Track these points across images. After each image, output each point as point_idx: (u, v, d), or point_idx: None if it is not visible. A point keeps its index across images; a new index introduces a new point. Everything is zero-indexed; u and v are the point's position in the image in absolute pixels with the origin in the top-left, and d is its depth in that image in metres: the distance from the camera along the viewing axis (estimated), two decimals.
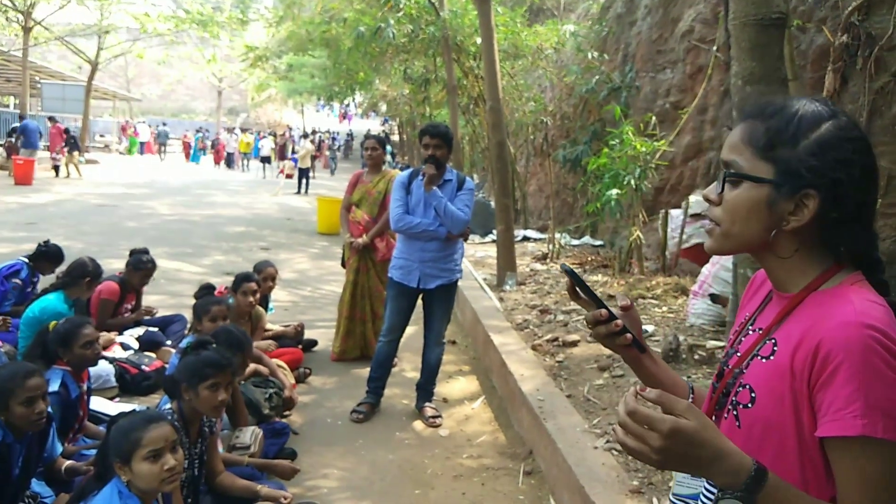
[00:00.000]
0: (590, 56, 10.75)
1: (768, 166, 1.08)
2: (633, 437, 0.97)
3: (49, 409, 2.88)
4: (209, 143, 33.13)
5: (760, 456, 1.07)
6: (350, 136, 41.95)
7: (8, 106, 32.06)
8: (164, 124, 34.77)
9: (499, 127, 7.40)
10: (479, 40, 9.27)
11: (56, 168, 18.62)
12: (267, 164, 26.14)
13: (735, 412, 1.16)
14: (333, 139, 35.82)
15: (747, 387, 1.14)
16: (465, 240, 4.63)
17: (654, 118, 7.44)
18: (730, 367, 1.21)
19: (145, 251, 5.46)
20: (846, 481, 1.00)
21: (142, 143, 33.09)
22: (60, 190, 16.18)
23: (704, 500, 1.23)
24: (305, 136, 24.57)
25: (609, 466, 3.21)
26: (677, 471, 1.13)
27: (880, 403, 0.97)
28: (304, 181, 19.76)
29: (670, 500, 1.35)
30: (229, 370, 2.81)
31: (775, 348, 1.11)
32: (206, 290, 4.47)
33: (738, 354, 1.21)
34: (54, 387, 3.07)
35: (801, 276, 1.13)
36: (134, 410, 2.44)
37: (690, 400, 1.33)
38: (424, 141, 4.31)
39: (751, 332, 1.22)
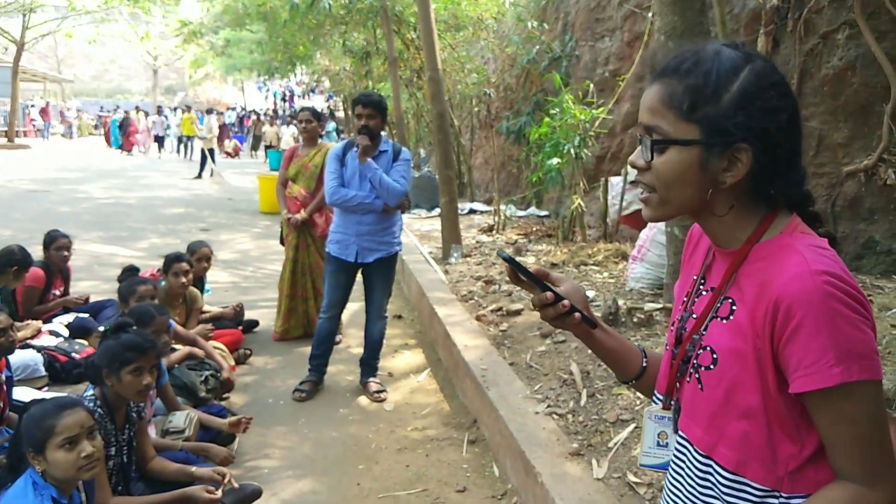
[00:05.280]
0: (530, 26, 10.69)
1: (693, 127, 1.03)
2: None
3: None
4: (110, 123, 27.58)
5: (725, 417, 1.07)
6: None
7: None
8: (102, 108, 32.81)
9: (439, 98, 7.31)
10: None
11: None
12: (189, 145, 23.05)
13: (697, 375, 1.13)
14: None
15: (708, 348, 1.12)
16: (403, 212, 4.56)
17: (592, 86, 7.45)
18: (688, 330, 1.18)
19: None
20: (833, 428, 1.00)
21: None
22: None
23: (674, 468, 1.21)
24: (210, 112, 21.91)
25: (549, 430, 3.22)
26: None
27: (851, 346, 0.96)
28: (205, 162, 17.72)
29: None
30: (153, 352, 2.70)
31: (733, 307, 1.09)
32: (129, 272, 4.31)
33: (695, 317, 1.18)
34: None
35: (740, 229, 1.10)
36: (46, 398, 2.32)
37: (644, 364, 1.33)
38: (357, 111, 4.20)
39: (703, 293, 1.19)
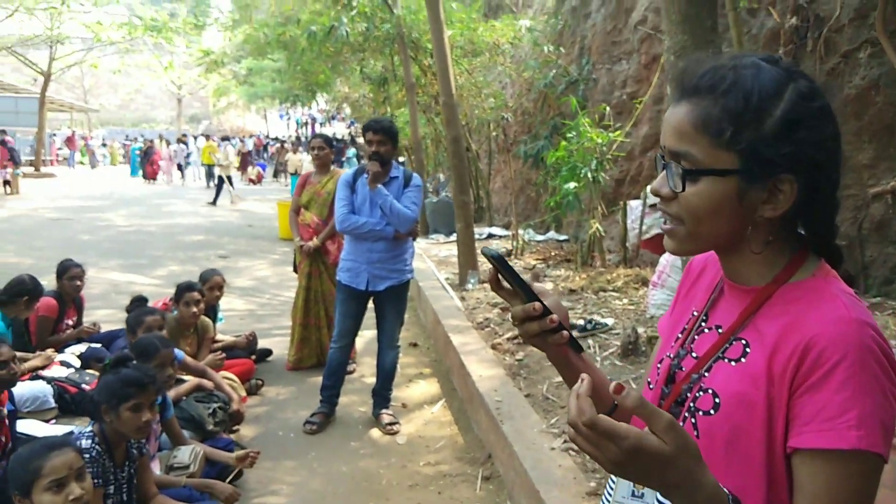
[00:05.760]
0: (546, 50, 10.66)
1: (731, 155, 0.92)
2: (586, 441, 0.83)
3: None
4: (131, 151, 27.73)
5: (721, 468, 0.94)
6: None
7: None
8: (128, 137, 33.11)
9: (454, 123, 7.26)
10: None
11: (7, 183, 18.04)
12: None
13: (693, 419, 1.01)
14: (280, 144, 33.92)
15: (710, 391, 0.99)
16: (415, 239, 4.48)
17: (608, 109, 7.36)
18: (685, 370, 1.06)
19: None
20: (819, 495, 0.87)
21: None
22: (14, 205, 15.71)
23: None
24: (226, 139, 22.14)
25: (566, 468, 3.09)
26: (636, 482, 0.99)
27: (876, 412, 0.85)
28: (220, 189, 17.78)
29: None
30: (152, 388, 2.63)
31: (747, 350, 0.97)
32: (137, 303, 4.26)
33: (695, 356, 1.06)
34: None
35: (767, 267, 0.99)
36: (37, 437, 2.24)
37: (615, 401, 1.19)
38: (368, 137, 4.16)
39: (706, 331, 1.07)
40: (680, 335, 1.12)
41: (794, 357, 0.89)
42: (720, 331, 1.03)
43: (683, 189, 0.96)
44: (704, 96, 0.94)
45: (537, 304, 1.04)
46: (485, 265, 8.08)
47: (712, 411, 0.97)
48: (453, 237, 11.16)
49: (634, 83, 8.61)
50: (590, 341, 4.79)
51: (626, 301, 5.69)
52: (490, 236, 11.01)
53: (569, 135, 7.12)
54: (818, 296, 0.93)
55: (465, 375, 4.50)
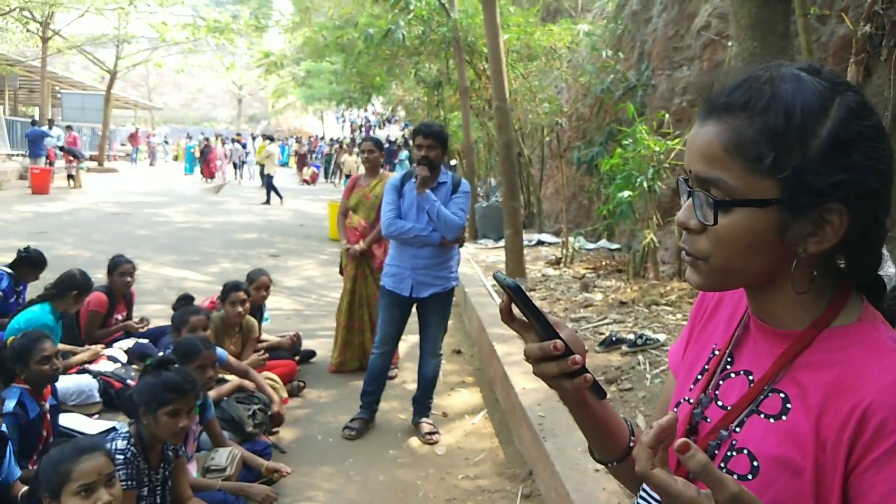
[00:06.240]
0: (605, 55, 10.46)
1: (771, 182, 0.79)
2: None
3: (5, 430, 2.70)
4: (186, 149, 27.87)
5: None
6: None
7: (33, 116, 32.45)
8: (189, 135, 33.76)
9: (506, 128, 7.16)
10: None
11: (70, 177, 18.65)
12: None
13: None
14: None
15: (745, 452, 0.86)
16: (461, 246, 4.39)
17: (667, 116, 7.14)
18: (711, 421, 0.92)
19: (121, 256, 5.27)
20: None
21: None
22: (76, 199, 16.22)
23: None
24: (269, 139, 21.85)
25: (610, 492, 2.94)
26: None
27: None
28: (271, 190, 17.64)
29: None
30: (192, 394, 2.59)
31: (787, 405, 0.84)
32: (183, 301, 4.28)
33: (721, 405, 0.92)
34: (10, 406, 2.88)
35: (805, 308, 0.86)
36: (68, 439, 2.23)
37: (630, 444, 1.05)
38: (417, 141, 4.09)
39: (733, 375, 0.94)
40: (700, 376, 0.98)
41: (851, 425, 0.77)
42: (751, 378, 0.90)
43: (716, 222, 0.82)
44: (737, 114, 0.81)
45: (558, 342, 0.89)
46: (534, 273, 7.94)
47: (749, 476, 0.84)
48: (502, 242, 11.05)
49: (696, 90, 8.35)
50: (640, 357, 4.62)
51: (679, 316, 5.48)
52: (540, 243, 10.85)
53: (625, 142, 6.93)
54: (868, 348, 0.80)
55: (509, 387, 4.38)
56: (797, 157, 0.78)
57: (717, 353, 0.98)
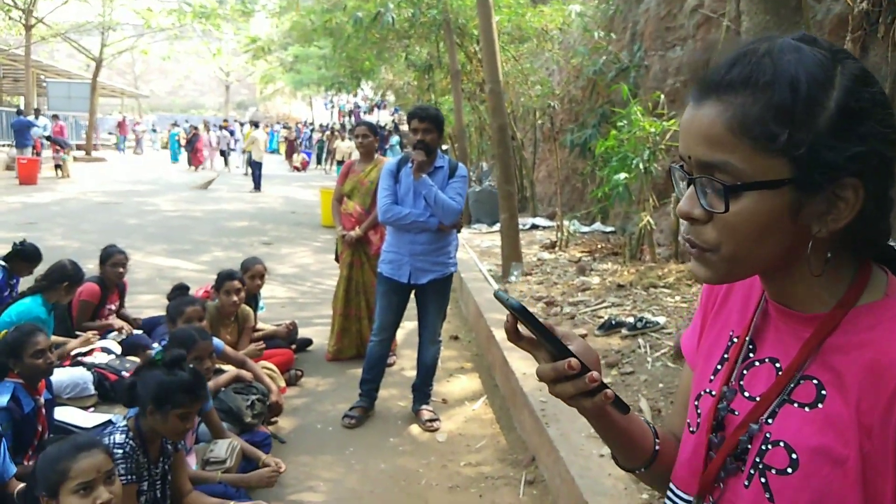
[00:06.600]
0: (596, 36, 10.37)
1: (781, 161, 0.74)
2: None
3: None
4: (170, 137, 27.52)
5: None
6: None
7: (18, 106, 32.04)
8: (175, 122, 33.34)
9: (499, 111, 7.08)
10: None
11: (58, 167, 18.43)
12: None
13: (763, 479, 0.82)
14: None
15: (782, 444, 0.81)
16: (459, 231, 4.33)
17: (662, 97, 7.08)
18: (738, 413, 0.87)
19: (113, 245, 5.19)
20: None
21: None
22: (64, 189, 16.04)
23: None
24: (254, 125, 21.87)
25: (616, 477, 2.92)
26: None
27: None
28: (257, 176, 17.51)
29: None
30: (203, 397, 2.55)
31: (822, 392, 0.79)
32: (178, 291, 4.21)
33: (749, 396, 0.87)
34: (3, 402, 2.82)
35: (827, 289, 0.82)
36: (65, 435, 2.17)
37: (656, 447, 1.01)
38: (413, 125, 4.01)
39: (757, 363, 0.88)
40: (719, 366, 0.94)
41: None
42: (777, 366, 0.85)
43: (727, 209, 0.77)
44: (739, 92, 0.75)
45: (573, 360, 0.84)
46: (529, 257, 7.90)
47: (789, 470, 0.79)
48: (496, 227, 11.00)
49: (689, 70, 8.28)
50: (640, 340, 4.59)
51: (678, 298, 5.45)
52: (534, 227, 10.81)
53: (619, 123, 6.87)
54: None
55: (509, 372, 4.35)
56: (806, 131, 0.74)
57: (735, 340, 0.93)
